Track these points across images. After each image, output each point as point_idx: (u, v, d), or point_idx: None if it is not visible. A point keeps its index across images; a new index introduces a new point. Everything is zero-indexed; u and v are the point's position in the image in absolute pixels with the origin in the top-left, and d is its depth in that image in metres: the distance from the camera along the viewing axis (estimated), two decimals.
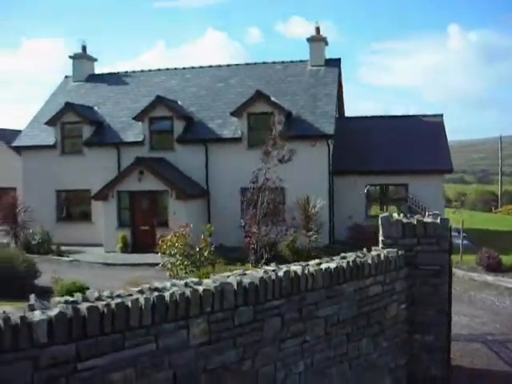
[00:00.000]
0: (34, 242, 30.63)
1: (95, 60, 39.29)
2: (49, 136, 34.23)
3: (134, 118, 32.58)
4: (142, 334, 4.82)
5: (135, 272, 26.08)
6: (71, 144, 34.12)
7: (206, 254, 19.58)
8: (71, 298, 4.65)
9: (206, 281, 5.75)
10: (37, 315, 4.19)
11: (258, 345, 6.03)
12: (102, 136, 33.44)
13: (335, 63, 34.99)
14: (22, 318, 4.08)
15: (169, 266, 19.76)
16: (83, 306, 4.45)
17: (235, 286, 5.67)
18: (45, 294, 20.48)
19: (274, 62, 36.31)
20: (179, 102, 33.67)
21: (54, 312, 4.26)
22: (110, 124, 33.93)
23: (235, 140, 31.58)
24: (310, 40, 35.09)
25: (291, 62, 35.94)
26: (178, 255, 19.42)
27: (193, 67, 37.20)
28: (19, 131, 46.13)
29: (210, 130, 32.19)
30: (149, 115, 32.41)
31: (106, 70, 39.37)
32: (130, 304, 4.70)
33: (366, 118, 37.09)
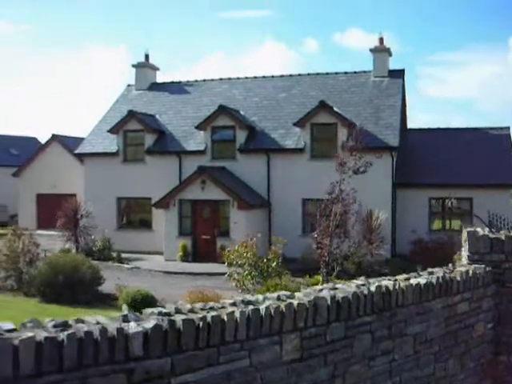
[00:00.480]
0: (94, 249, 30.94)
1: (157, 69, 39.61)
2: (111, 144, 34.56)
3: (196, 127, 32.64)
4: (236, 349, 4.57)
5: (196, 281, 25.99)
6: (133, 152, 34.37)
7: (273, 265, 19.30)
8: (164, 310, 4.44)
9: (297, 294, 5.48)
10: (132, 327, 3.97)
11: (348, 362, 5.72)
12: (164, 144, 33.60)
13: (399, 74, 34.45)
14: (119, 330, 3.87)
15: (235, 276, 19.56)
16: (178, 319, 4.22)
17: (329, 301, 5.38)
18: (109, 300, 20.61)
19: (336, 73, 35.96)
20: (241, 112, 33.61)
21: (149, 324, 4.05)
22: (171, 132, 34.08)
23: (298, 151, 31.33)
24: (374, 50, 34.63)
25: (354, 72, 35.53)
26: (245, 265, 19.18)
27: (255, 77, 37.11)
28: (80, 138, 47.03)
29: (273, 140, 32.01)
30: (211, 124, 32.42)
31: (166, 79, 39.64)
32: (225, 317, 4.45)
33: (428, 130, 36.31)
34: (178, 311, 4.50)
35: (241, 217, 29.82)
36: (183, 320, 4.25)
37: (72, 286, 19.83)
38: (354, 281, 6.46)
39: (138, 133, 33.98)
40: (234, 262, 19.72)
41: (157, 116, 35.39)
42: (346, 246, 22.96)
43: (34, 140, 57.19)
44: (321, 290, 5.79)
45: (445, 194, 31.92)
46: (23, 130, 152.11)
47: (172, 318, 4.29)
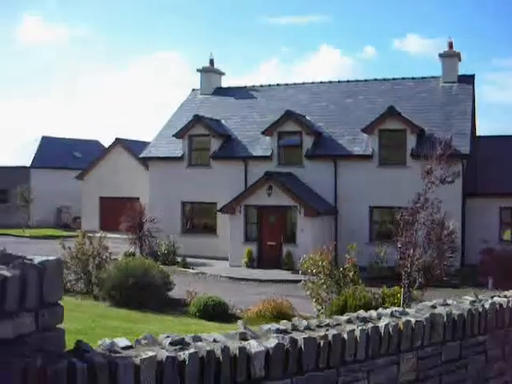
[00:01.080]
0: (159, 253, 30.99)
1: (223, 74, 39.64)
2: (176, 148, 34.64)
3: (262, 133, 32.45)
4: (355, 370, 4.26)
5: (262, 288, 25.76)
6: (198, 156, 34.41)
7: (351, 274, 18.85)
8: (280, 326, 4.16)
9: (409, 310, 5.15)
10: (254, 346, 3.70)
11: None
12: (230, 149, 33.51)
13: (468, 80, 33.59)
14: (241, 349, 3.61)
15: (309, 284, 19.18)
16: (300, 337, 3.93)
17: (445, 318, 5.04)
18: (178, 306, 20.48)
19: (403, 78, 35.33)
20: (307, 117, 33.22)
21: (271, 343, 3.77)
22: (237, 137, 33.97)
23: (366, 157, 30.85)
24: (443, 55, 33.85)
25: (422, 78, 34.80)
26: (321, 274, 18.77)
27: (321, 82, 36.76)
28: (143, 142, 47.43)
29: (340, 146, 31.60)
30: (277, 130, 32.19)
31: (224, 84, 39.50)
32: (345, 336, 4.15)
33: (497, 137, 35.18)
34: (294, 328, 4.22)
35: (308, 223, 29.48)
36: (305, 339, 3.96)
37: (142, 291, 19.75)
38: (467, 297, 6.09)
39: (204, 137, 33.98)
40: (309, 271, 19.25)
41: (222, 121, 35.33)
42: (436, 256, 22.22)
43: (96, 143, 57.98)
44: (433, 306, 5.45)
45: None
46: (86, 134, 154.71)
47: (292, 335, 4.02)
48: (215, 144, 33.69)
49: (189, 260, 30.51)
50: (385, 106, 32.44)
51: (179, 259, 30.32)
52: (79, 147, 54.61)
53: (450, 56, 33.68)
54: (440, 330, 5.00)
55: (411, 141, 30.07)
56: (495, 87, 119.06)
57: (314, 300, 19.08)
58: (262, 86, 38.11)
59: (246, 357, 3.64)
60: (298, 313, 19.09)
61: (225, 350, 3.58)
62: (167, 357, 3.36)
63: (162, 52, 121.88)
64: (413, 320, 4.79)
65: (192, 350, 3.51)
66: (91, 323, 16.31)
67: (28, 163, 49.92)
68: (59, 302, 3.02)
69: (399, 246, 17.84)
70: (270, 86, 37.81)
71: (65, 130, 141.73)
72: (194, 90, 39.34)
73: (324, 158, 31.60)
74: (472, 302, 5.71)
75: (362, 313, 4.88)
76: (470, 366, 5.43)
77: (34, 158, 50.28)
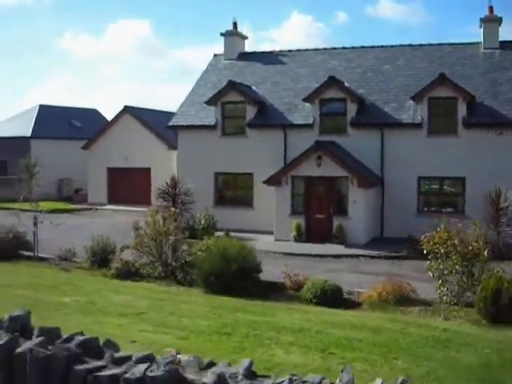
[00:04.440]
0: (197, 227, 27.83)
1: (246, 38, 36.14)
2: (207, 115, 31.33)
3: (304, 100, 29.41)
4: None
5: (328, 264, 23.02)
6: (233, 125, 31.13)
7: (485, 253, 15.89)
8: None
9: None
10: None
11: None
12: (267, 117, 30.40)
13: (510, 46, 31.08)
14: None
15: (435, 265, 16.36)
16: None
17: None
18: (278, 290, 17.53)
19: (440, 44, 32.60)
20: (346, 84, 30.20)
21: None
22: (273, 105, 30.81)
23: (415, 126, 28.20)
24: (484, 20, 31.23)
25: (461, 43, 32.16)
26: (453, 255, 15.92)
27: (353, 47, 33.72)
28: (153, 110, 43.75)
29: (386, 114, 28.86)
30: (320, 97, 29.19)
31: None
32: None
33: None
34: None
35: (360, 195, 26.77)
36: None
37: (241, 276, 16.77)
38: None
39: (239, 104, 30.70)
40: (436, 250, 16.34)
41: (253, 87, 32.05)
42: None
43: (95, 112, 53.70)
44: None
45: None
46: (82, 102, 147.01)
47: None
48: (250, 111, 30.48)
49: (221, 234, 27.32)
50: (427, 73, 29.91)
51: (221, 233, 27.13)
52: (77, 116, 50.10)
53: (491, 21, 31.10)
54: None
55: (462, 109, 27.55)
56: None
57: (439, 282, 16.35)
58: (290, 50, 34.79)
59: None
60: (419, 296, 16.53)
61: None
62: None
63: (125, 21, 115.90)
64: None
65: None
66: (219, 318, 13.32)
67: (28, 133, 45.32)
68: None
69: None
70: (298, 51, 34.53)
71: (58, 98, 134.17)
72: (215, 55, 35.77)
73: (370, 127, 28.83)
74: None
75: None
76: None
77: (34, 127, 45.75)
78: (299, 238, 27.20)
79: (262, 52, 35.26)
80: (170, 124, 32.00)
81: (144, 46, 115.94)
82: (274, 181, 27.74)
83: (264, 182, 27.95)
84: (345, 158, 27.39)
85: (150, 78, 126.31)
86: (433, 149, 27.88)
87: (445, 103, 28.13)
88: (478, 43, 31.59)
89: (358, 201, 26.73)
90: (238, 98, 30.52)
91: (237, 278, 16.62)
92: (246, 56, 35.07)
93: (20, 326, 6.33)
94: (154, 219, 19.29)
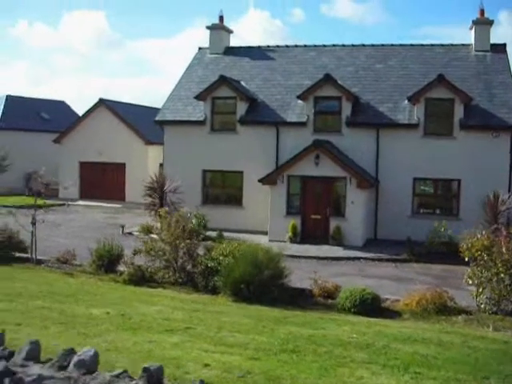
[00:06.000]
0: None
1: (231, 32, 34.76)
2: (195, 111, 29.95)
3: (298, 97, 28.38)
4: None
5: (333, 267, 22.09)
6: (223, 121, 29.80)
7: None
8: None
9: None
10: None
11: None
12: (258, 114, 29.20)
13: (501, 48, 30.73)
14: None
15: (477, 272, 15.50)
16: None
17: None
18: (306, 297, 16.47)
19: (432, 45, 32.04)
20: (339, 82, 29.24)
21: None
22: (264, 101, 29.62)
23: (411, 126, 27.50)
24: (475, 23, 30.75)
25: (451, 45, 31.66)
26: (499, 264, 15.06)
27: (344, 45, 32.75)
28: (130, 104, 42.01)
29: (382, 114, 28.08)
30: (314, 94, 28.19)
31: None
32: None
33: None
34: None
35: (359, 196, 25.98)
36: None
37: (268, 282, 15.64)
38: None
39: (229, 100, 29.42)
40: (479, 257, 15.47)
41: (242, 82, 30.78)
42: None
43: (63, 104, 51.23)
44: None
45: None
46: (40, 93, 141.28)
47: None
48: (241, 108, 29.22)
49: (212, 234, 26.05)
50: (420, 73, 29.43)
51: (215, 234, 25.90)
52: (46, 108, 47.58)
53: (483, 23, 30.64)
54: None
55: (459, 111, 27.01)
56: None
57: (480, 290, 15.57)
58: (278, 46, 33.62)
59: None
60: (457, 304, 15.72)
61: None
62: None
63: (80, 11, 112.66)
64: None
65: None
66: (272, 332, 12.15)
67: None
68: None
69: None
70: (287, 47, 33.37)
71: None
72: (200, 48, 34.28)
73: (365, 126, 27.99)
74: None
75: None
76: None
77: (1, 119, 43.19)
78: (295, 238, 26.23)
79: (249, 47, 33.91)
80: (157, 119, 30.42)
81: (100, 38, 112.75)
82: (269, 180, 26.65)
83: (259, 181, 26.81)
84: (343, 158, 26.51)
85: (108, 71, 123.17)
86: (428, 150, 27.32)
87: (442, 104, 27.54)
88: (468, 45, 31.14)
89: (357, 202, 25.92)
90: (229, 94, 29.24)
91: (268, 285, 15.49)
92: (232, 50, 33.71)
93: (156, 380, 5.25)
94: (168, 221, 17.89)
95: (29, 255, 19.72)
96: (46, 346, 8.17)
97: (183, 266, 17.56)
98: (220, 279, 16.06)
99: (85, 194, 38.88)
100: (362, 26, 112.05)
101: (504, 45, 30.91)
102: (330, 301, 16.12)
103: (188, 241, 17.79)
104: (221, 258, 16.72)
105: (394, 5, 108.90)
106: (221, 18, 33.70)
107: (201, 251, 18.15)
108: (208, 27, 33.53)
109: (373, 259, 24.16)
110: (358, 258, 24.17)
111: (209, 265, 16.76)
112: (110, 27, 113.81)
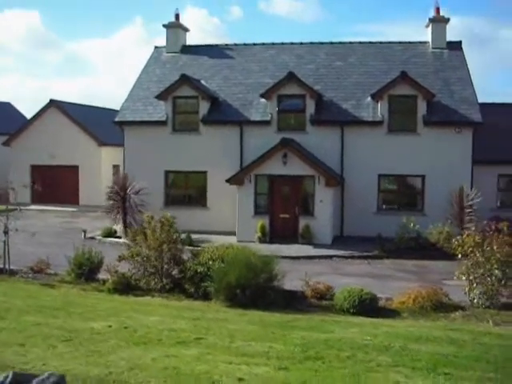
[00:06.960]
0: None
1: (188, 30, 34.09)
2: (155, 111, 29.26)
3: (261, 95, 28.08)
4: None
5: (304, 266, 21.72)
6: (185, 121, 29.19)
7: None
8: None
9: None
10: None
11: None
12: (221, 113, 28.73)
13: (457, 46, 31.16)
14: None
15: (469, 277, 15.50)
16: None
17: None
18: (300, 299, 16.19)
19: (389, 42, 32.23)
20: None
21: None
22: (226, 100, 29.18)
23: (375, 123, 27.58)
24: (432, 21, 31.07)
25: (409, 42, 31.89)
26: (492, 260, 15.10)
27: (302, 43, 32.56)
28: (82, 106, 40.75)
29: (346, 111, 28.05)
30: (278, 92, 27.94)
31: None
32: None
33: (496, 104, 33.11)
34: None
35: (327, 194, 25.89)
36: None
37: (264, 286, 15.30)
38: None
39: (191, 99, 28.84)
40: (472, 253, 15.47)
41: (202, 81, 30.24)
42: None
43: (8, 105, 49.22)
44: None
45: None
46: None
47: None
48: (203, 107, 28.68)
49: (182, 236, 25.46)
50: (381, 71, 29.63)
51: (183, 236, 25.23)
52: None
53: (439, 21, 30.98)
54: None
55: (422, 107, 27.26)
56: None
57: (473, 285, 15.63)
58: (236, 44, 33.16)
59: None
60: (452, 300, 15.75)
61: None
62: None
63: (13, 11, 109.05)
64: None
65: None
66: (284, 338, 11.82)
67: None
68: None
69: None
70: (245, 45, 32.95)
71: None
72: (156, 47, 33.49)
73: (330, 124, 27.90)
74: None
75: None
76: None
77: None
78: (264, 238, 25.95)
79: (207, 45, 33.32)
80: (116, 120, 29.54)
81: (35, 38, 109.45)
82: (236, 180, 26.27)
83: (227, 181, 26.38)
84: (310, 157, 26.37)
85: (44, 71, 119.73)
86: (393, 146, 27.52)
87: (405, 101, 27.73)
88: (425, 42, 31.46)
89: (325, 200, 25.84)
90: (191, 93, 28.67)
91: (264, 289, 15.14)
92: (189, 49, 33.08)
93: None
94: (152, 226, 17.28)
95: (1, 266, 18.71)
96: (66, 369, 7.60)
97: (168, 271, 17.00)
98: (212, 284, 15.57)
99: (37, 198, 37.48)
100: (301, 23, 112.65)
101: (460, 42, 31.34)
102: (324, 302, 15.90)
103: (173, 245, 17.24)
104: (210, 262, 16.24)
105: (330, 2, 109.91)
106: (177, 16, 33.00)
107: (185, 256, 17.64)
108: (164, 25, 32.77)
109: (345, 257, 24.11)
110: (331, 256, 24.06)
111: (198, 270, 16.25)
112: (45, 27, 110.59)
